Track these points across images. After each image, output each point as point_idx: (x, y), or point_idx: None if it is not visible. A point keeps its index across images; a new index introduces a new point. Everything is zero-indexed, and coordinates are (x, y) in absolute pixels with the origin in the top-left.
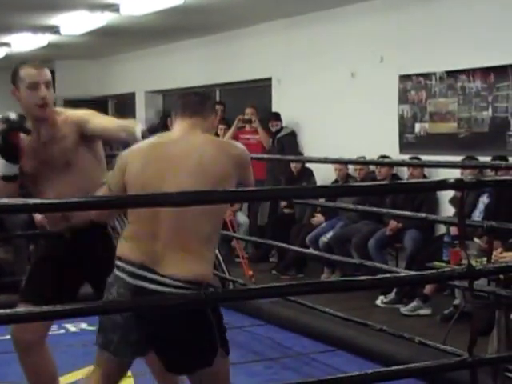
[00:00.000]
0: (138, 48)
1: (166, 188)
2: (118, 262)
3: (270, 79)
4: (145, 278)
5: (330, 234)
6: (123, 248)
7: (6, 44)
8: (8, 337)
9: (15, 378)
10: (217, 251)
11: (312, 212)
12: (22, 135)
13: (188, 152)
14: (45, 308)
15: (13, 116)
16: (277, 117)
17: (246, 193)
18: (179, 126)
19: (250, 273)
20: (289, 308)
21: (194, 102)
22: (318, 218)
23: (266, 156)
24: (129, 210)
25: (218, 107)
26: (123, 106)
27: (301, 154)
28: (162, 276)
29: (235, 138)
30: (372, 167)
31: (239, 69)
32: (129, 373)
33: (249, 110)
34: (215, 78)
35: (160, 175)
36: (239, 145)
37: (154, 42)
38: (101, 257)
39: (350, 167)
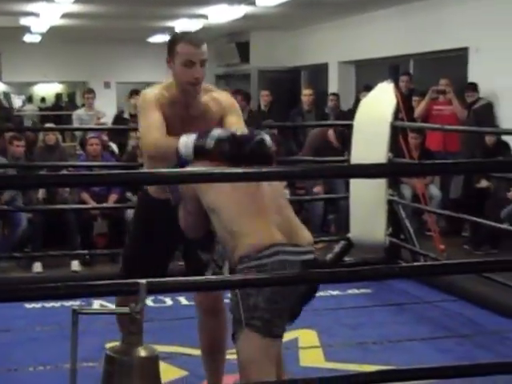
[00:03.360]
0: (332, 18)
1: None
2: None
3: (466, 49)
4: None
5: None
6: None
7: (203, 16)
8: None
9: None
10: (408, 224)
11: (508, 186)
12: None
13: None
14: None
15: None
16: (474, 87)
17: (440, 165)
18: None
19: (442, 247)
20: (482, 284)
21: None
22: None
23: (460, 128)
24: None
25: (404, 78)
26: (315, 76)
27: (497, 126)
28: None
29: (429, 109)
30: None
31: (434, 38)
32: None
33: (443, 81)
34: (409, 48)
35: None
36: None
37: (348, 11)
38: None
39: None
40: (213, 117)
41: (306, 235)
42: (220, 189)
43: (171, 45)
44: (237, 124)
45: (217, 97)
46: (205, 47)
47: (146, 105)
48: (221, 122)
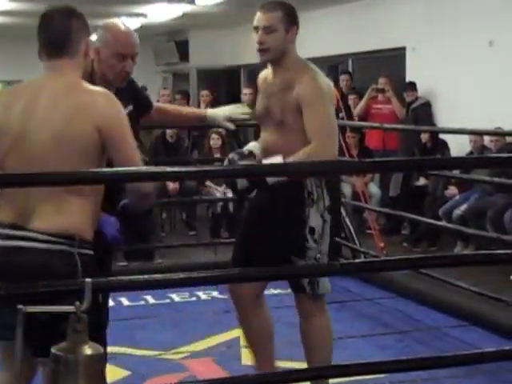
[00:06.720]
0: None
1: None
2: None
3: (403, 48)
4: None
5: (464, 207)
6: None
7: (142, 14)
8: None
9: (147, 344)
10: (348, 222)
11: (446, 184)
12: None
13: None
14: None
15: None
16: (413, 87)
17: (378, 164)
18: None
19: (382, 244)
20: (420, 281)
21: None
22: (452, 190)
23: (399, 126)
24: None
25: (344, 77)
26: (255, 75)
27: (434, 125)
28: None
29: (368, 107)
30: (509, 138)
31: (372, 38)
32: None
33: (382, 80)
34: (348, 47)
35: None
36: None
37: None
38: None
39: (486, 138)
40: None
41: (48, 222)
42: None
43: (295, 16)
44: None
45: None
46: None
47: (328, 100)
48: None
